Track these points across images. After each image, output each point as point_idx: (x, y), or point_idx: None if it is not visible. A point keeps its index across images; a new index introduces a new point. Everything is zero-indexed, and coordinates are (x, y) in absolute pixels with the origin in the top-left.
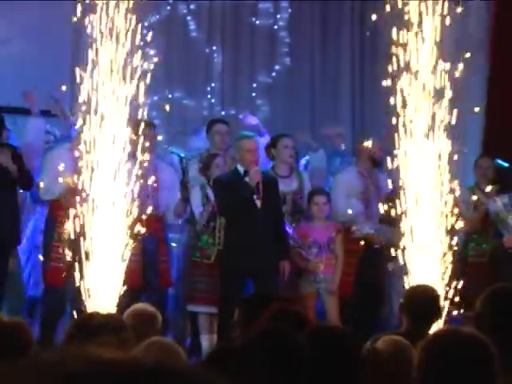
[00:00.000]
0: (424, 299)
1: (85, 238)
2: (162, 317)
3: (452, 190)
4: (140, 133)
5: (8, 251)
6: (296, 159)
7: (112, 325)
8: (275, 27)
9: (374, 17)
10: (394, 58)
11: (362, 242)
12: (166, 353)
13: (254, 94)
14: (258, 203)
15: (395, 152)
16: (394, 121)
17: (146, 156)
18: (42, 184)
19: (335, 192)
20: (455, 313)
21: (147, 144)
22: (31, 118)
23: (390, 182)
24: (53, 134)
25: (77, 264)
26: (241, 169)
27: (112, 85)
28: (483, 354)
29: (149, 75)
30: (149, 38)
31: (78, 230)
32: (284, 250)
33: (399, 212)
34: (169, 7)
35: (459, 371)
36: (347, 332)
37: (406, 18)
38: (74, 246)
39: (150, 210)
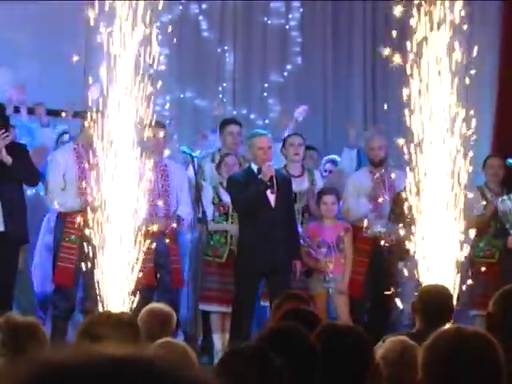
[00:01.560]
0: (437, 299)
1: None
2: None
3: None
4: (150, 133)
5: (16, 249)
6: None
7: (123, 324)
8: (287, 27)
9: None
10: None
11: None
12: (177, 354)
13: (265, 94)
14: (272, 202)
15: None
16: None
17: (156, 156)
18: (49, 190)
19: (346, 191)
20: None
21: (158, 144)
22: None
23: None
24: (68, 134)
25: (89, 263)
26: (254, 167)
27: (123, 85)
28: (488, 351)
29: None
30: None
31: (89, 229)
32: (296, 249)
33: (409, 211)
34: (181, 7)
35: (464, 370)
36: (359, 331)
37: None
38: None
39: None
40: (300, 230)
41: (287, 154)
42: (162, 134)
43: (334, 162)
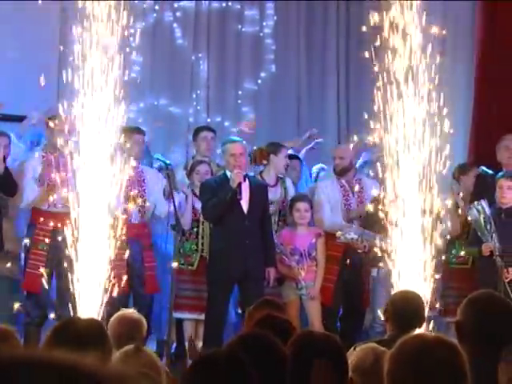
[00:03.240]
0: (408, 305)
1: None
2: (147, 323)
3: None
4: (129, 139)
5: None
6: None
7: (91, 331)
8: (261, 34)
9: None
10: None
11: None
12: (144, 361)
13: (239, 101)
14: (245, 209)
15: (382, 158)
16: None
17: (134, 162)
18: (24, 197)
19: (318, 200)
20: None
21: (136, 150)
22: None
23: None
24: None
25: (62, 270)
26: (229, 173)
27: (96, 91)
28: (452, 356)
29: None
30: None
31: (62, 235)
32: (270, 256)
33: (383, 217)
34: (155, 14)
35: (429, 376)
36: (336, 340)
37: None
38: (57, 252)
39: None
40: (274, 236)
41: (274, 164)
42: (141, 139)
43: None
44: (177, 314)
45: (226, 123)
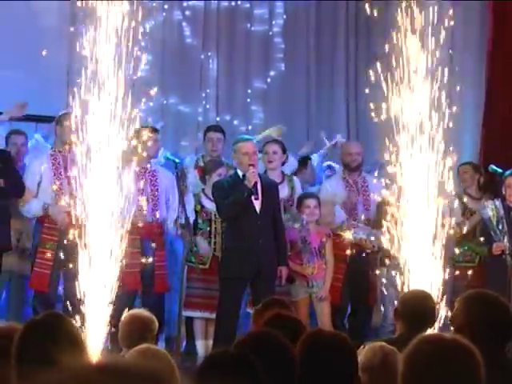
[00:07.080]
0: (419, 304)
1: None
2: (158, 321)
3: (446, 196)
4: (143, 138)
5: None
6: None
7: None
8: (270, 33)
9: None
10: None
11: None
12: (158, 360)
13: (248, 100)
14: (258, 208)
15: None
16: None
17: (145, 162)
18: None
19: (323, 198)
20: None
21: (150, 148)
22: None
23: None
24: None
25: (70, 270)
26: (240, 173)
27: (107, 90)
28: (468, 361)
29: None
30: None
31: (72, 234)
32: (283, 256)
33: (392, 217)
34: (164, 13)
35: (444, 379)
36: (345, 338)
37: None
38: (65, 251)
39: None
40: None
41: (263, 162)
42: (155, 137)
43: (331, 167)
44: (187, 313)
45: (235, 122)
